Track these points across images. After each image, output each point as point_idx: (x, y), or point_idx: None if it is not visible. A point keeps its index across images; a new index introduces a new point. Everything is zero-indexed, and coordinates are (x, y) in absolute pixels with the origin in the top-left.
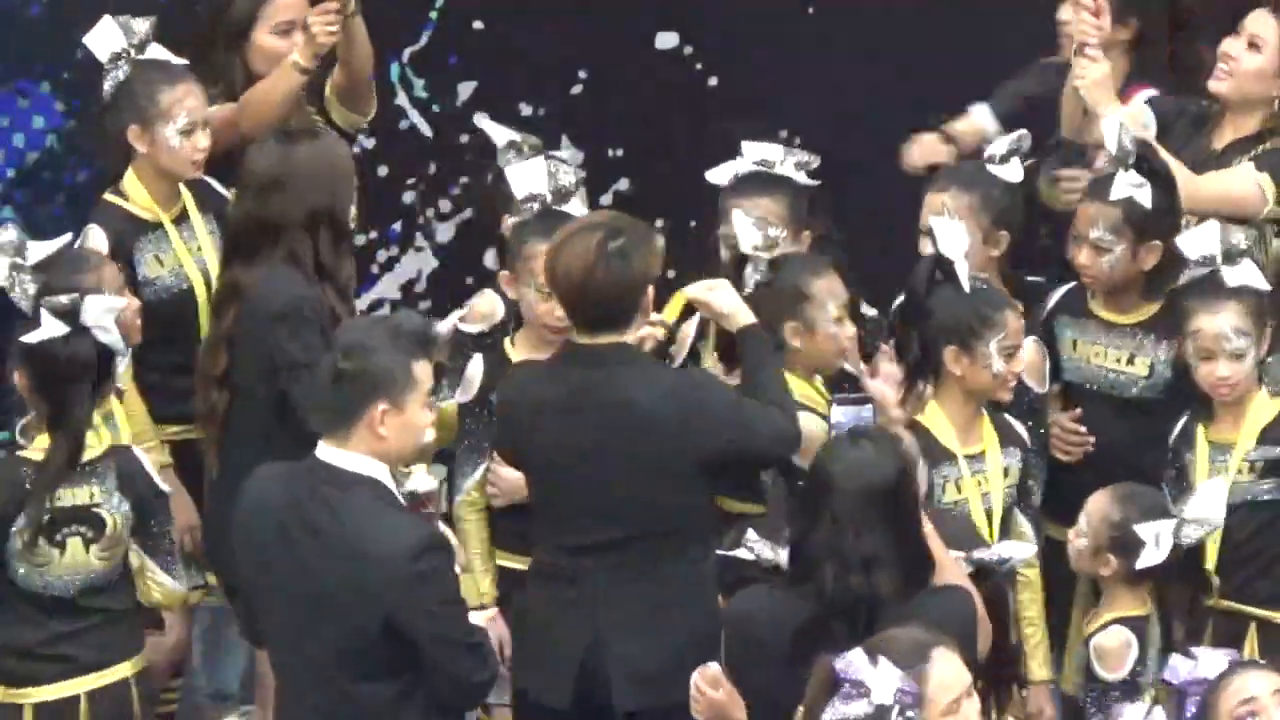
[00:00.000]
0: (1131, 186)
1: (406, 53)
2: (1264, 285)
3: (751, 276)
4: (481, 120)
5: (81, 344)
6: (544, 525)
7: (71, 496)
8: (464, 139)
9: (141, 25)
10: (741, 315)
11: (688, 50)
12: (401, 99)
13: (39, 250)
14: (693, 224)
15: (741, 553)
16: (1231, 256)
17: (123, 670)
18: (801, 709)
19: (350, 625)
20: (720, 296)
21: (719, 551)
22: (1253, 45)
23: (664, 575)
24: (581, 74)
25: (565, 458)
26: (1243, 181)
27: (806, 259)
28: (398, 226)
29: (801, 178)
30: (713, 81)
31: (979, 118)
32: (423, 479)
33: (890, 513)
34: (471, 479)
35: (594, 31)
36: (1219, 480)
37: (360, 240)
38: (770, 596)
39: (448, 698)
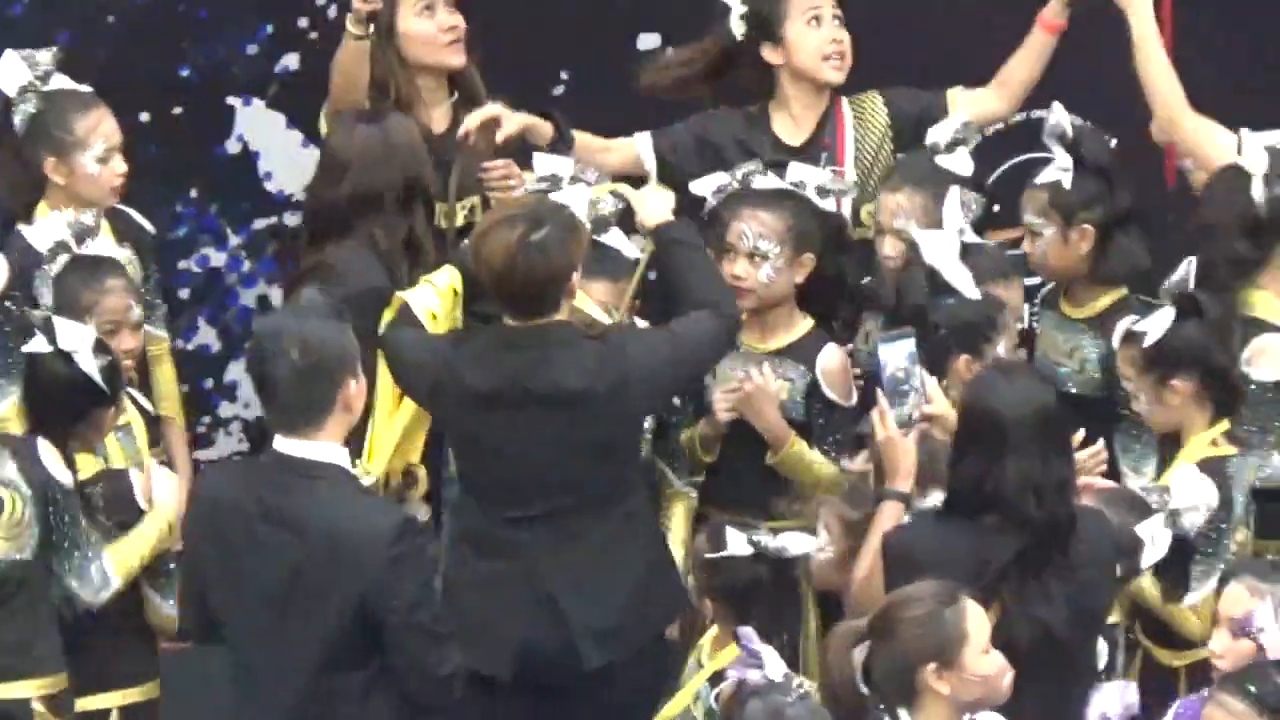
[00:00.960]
0: (1059, 170)
1: None
2: None
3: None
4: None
5: (56, 365)
6: (476, 498)
7: None
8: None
9: (45, 56)
10: (658, 216)
11: (669, 51)
12: None
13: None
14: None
15: (737, 550)
16: None
17: (21, 689)
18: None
19: (324, 613)
20: (645, 196)
21: (707, 556)
22: None
23: (608, 532)
24: (563, 75)
25: (499, 438)
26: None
27: None
28: None
29: (822, 201)
30: None
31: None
32: (416, 508)
33: (1060, 435)
34: None
35: (575, 32)
36: (1187, 465)
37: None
38: (933, 535)
39: (414, 691)
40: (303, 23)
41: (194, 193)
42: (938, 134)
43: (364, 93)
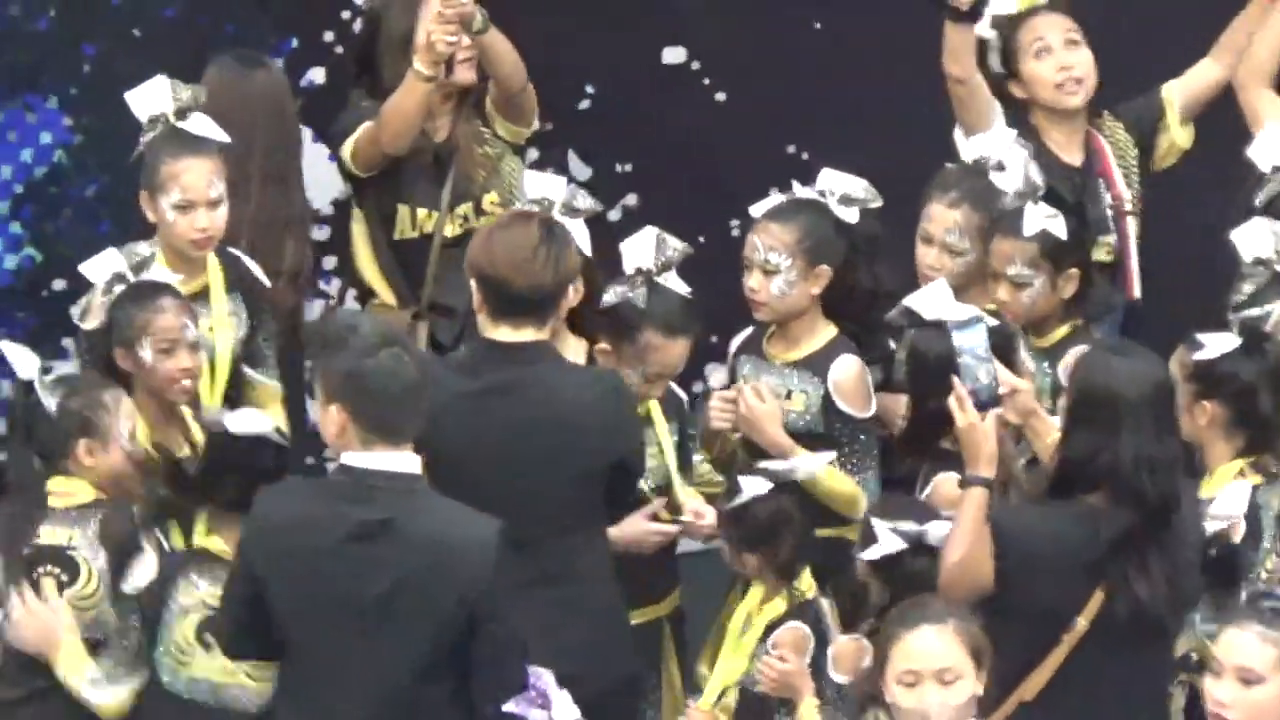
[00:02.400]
0: (1045, 219)
1: None
2: None
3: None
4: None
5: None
6: None
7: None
8: None
9: (185, 92)
10: None
11: (695, 65)
12: None
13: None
14: (701, 239)
15: (753, 490)
16: None
17: None
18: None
19: (427, 623)
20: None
21: (728, 508)
22: None
23: (572, 573)
24: (589, 89)
25: (479, 453)
26: None
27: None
28: None
29: (845, 212)
30: (720, 97)
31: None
32: None
33: (1171, 412)
34: None
35: (601, 47)
36: (1237, 483)
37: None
38: (1043, 515)
39: (488, 696)
40: (328, 36)
41: None
42: (989, 149)
43: (414, 136)
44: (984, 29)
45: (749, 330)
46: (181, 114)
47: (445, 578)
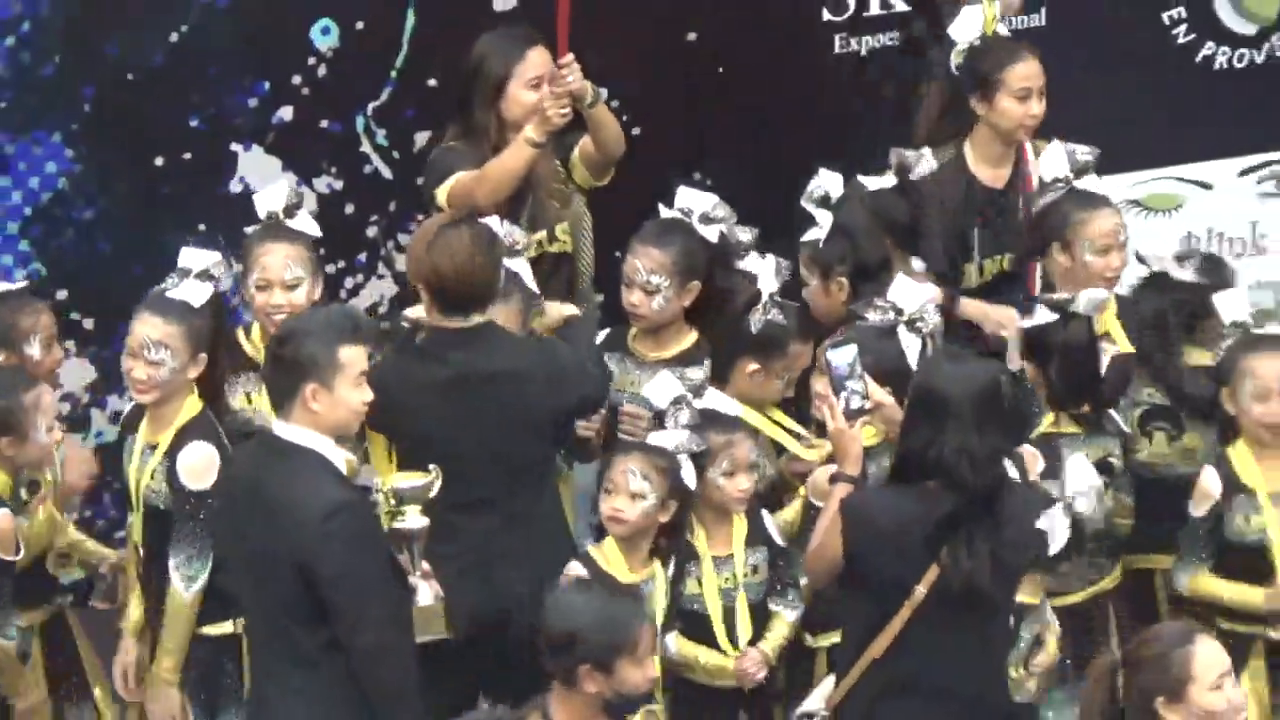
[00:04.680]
0: (819, 230)
1: (370, 107)
2: None
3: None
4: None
5: None
6: None
7: None
8: (419, 181)
9: (293, 192)
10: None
11: (616, 103)
12: (366, 146)
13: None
14: (617, 254)
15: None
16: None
17: None
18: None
19: (284, 575)
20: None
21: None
22: None
23: (533, 516)
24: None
25: (447, 428)
26: None
27: None
28: (363, 257)
29: (707, 230)
30: (636, 131)
31: None
32: (415, 518)
33: (999, 410)
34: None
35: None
36: (1078, 455)
37: (330, 269)
38: (885, 498)
39: (354, 666)
40: (296, 80)
41: (202, 225)
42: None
43: (510, 192)
44: (960, 31)
45: (605, 331)
46: (290, 212)
47: (281, 542)
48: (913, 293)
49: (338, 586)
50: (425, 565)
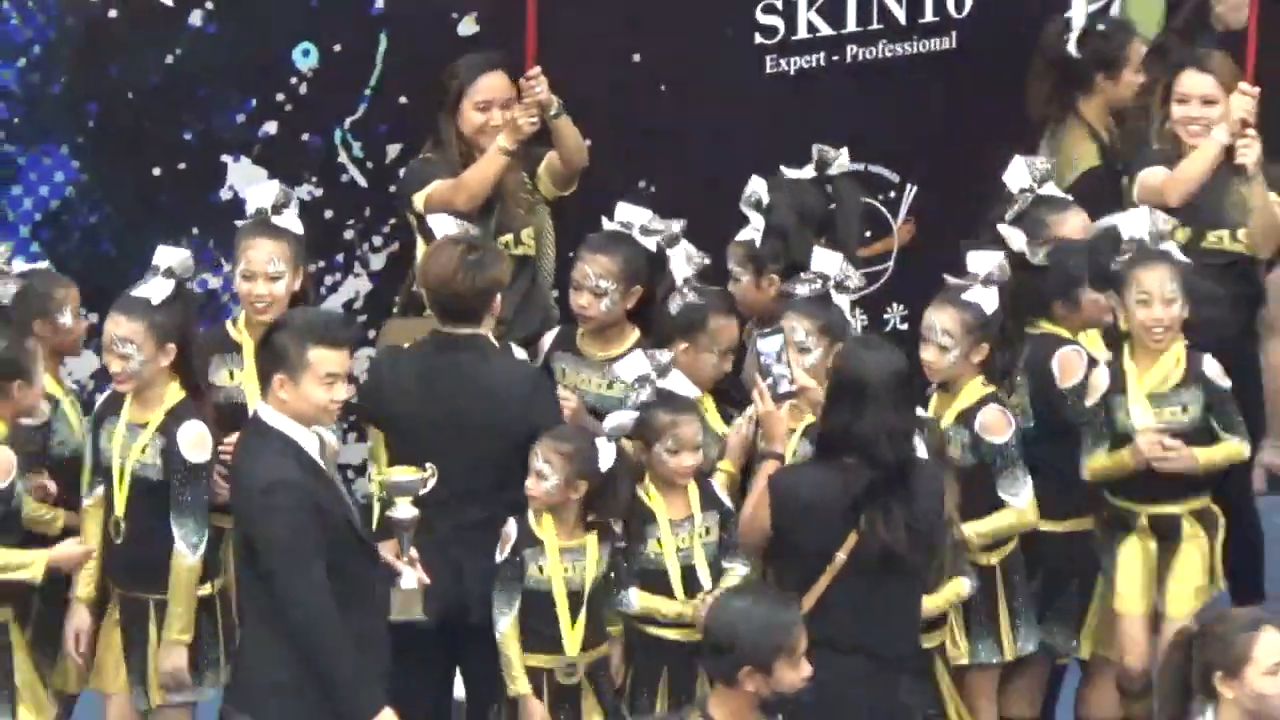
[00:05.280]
0: (753, 230)
1: (347, 121)
2: None
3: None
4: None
5: None
6: None
7: None
8: (390, 189)
9: (285, 195)
10: None
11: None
12: (343, 157)
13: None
14: (569, 254)
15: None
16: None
17: None
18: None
19: (241, 541)
20: None
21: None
22: None
23: (496, 518)
24: (635, 58)
25: (430, 424)
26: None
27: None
28: (340, 257)
29: (646, 240)
30: (589, 143)
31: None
32: (405, 509)
33: (910, 391)
34: (508, 618)
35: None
36: (991, 405)
37: (310, 268)
38: (808, 474)
39: (289, 631)
40: (279, 97)
41: (195, 230)
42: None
43: (486, 196)
44: (1077, 12)
45: (555, 332)
46: (277, 209)
47: (239, 510)
48: (833, 260)
49: (269, 556)
50: (413, 552)
